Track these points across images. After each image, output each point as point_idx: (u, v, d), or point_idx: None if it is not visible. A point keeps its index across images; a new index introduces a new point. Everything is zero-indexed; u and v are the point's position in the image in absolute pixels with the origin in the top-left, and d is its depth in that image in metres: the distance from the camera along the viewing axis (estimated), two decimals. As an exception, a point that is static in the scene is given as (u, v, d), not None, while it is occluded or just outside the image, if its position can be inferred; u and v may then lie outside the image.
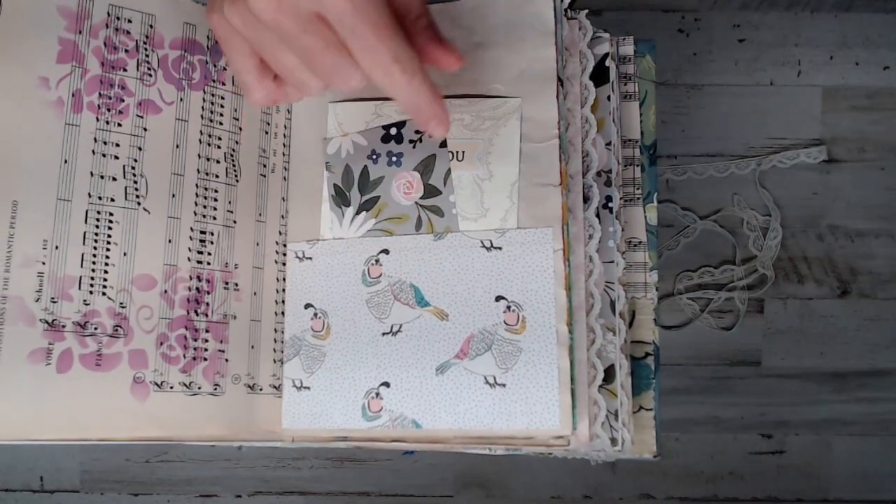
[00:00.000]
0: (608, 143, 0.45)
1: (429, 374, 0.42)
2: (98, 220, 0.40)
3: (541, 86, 0.43)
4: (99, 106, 0.41)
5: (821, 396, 0.69)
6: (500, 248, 0.42)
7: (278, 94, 0.39)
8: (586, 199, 0.43)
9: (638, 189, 0.47)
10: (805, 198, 0.67)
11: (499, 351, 0.41)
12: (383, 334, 0.43)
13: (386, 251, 0.44)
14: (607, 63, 0.45)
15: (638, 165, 0.47)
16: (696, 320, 0.68)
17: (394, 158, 0.44)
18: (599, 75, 0.45)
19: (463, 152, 0.43)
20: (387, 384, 0.43)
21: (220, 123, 0.44)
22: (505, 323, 0.41)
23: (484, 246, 0.42)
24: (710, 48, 0.67)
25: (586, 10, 0.47)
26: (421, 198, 0.44)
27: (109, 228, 0.40)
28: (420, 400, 0.42)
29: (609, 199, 0.45)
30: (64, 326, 0.39)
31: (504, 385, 0.41)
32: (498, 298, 0.42)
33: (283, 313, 0.45)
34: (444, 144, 0.44)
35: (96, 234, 0.40)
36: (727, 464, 0.70)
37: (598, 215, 0.44)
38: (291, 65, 0.36)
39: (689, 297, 0.68)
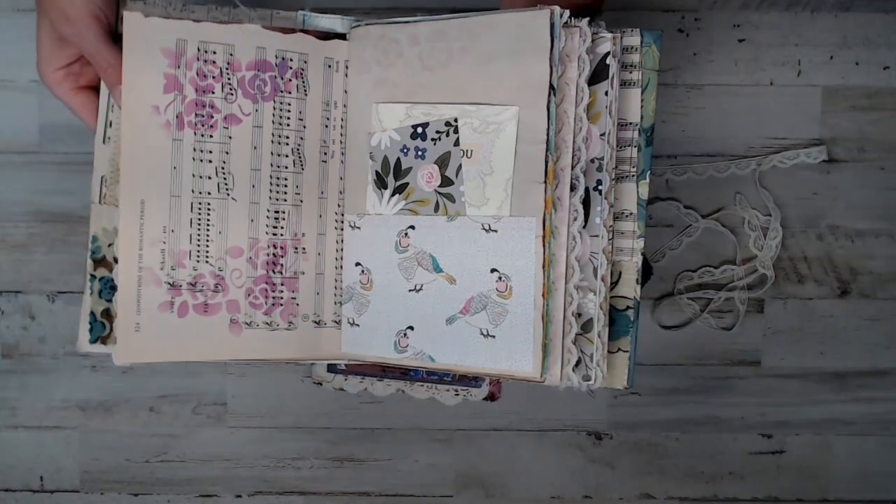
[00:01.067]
0: (602, 134, 0.52)
1: (441, 323, 0.54)
2: (200, 209, 0.54)
3: (536, 96, 0.50)
4: (195, 123, 0.54)
5: (821, 396, 0.69)
6: (496, 231, 0.52)
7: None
8: (574, 188, 0.52)
9: (633, 167, 0.54)
10: (805, 198, 0.67)
11: (491, 311, 0.52)
12: (409, 291, 0.55)
13: (412, 227, 0.55)
14: (608, 61, 0.52)
15: (635, 146, 0.54)
16: (696, 320, 0.68)
17: (419, 153, 0.54)
18: (600, 73, 0.52)
19: (472, 150, 0.53)
20: (411, 328, 0.55)
21: (288, 125, 0.56)
22: (497, 290, 0.52)
23: (484, 228, 0.52)
24: (710, 48, 0.67)
25: (587, 18, 0.51)
26: (439, 186, 0.54)
27: (208, 214, 0.54)
28: (434, 341, 0.54)
29: (599, 182, 0.53)
30: (181, 286, 0.54)
31: (494, 337, 0.52)
32: (492, 270, 0.52)
33: (341, 267, 0.57)
34: (457, 143, 0.53)
35: (199, 220, 0.54)
36: (727, 464, 0.70)
37: (588, 197, 0.52)
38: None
39: (689, 297, 0.68)
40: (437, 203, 0.54)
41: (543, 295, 0.51)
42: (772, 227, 0.67)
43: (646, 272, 0.63)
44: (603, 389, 0.69)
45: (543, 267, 0.51)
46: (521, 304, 0.51)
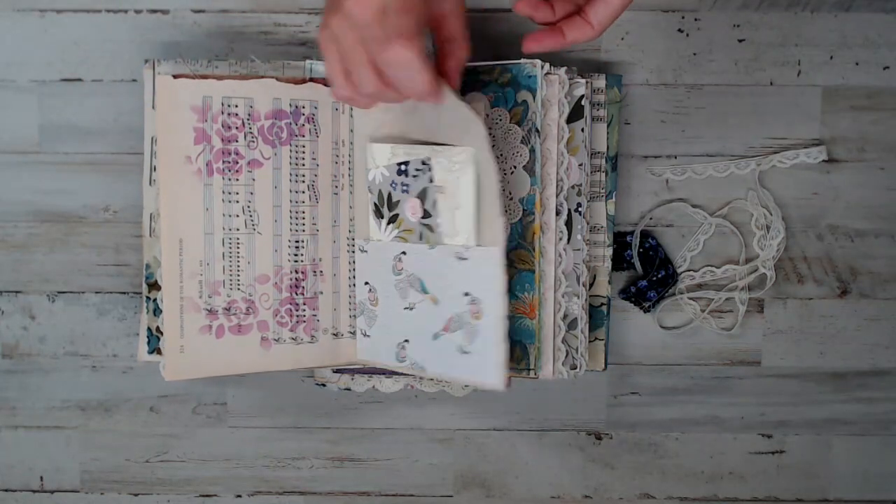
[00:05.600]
0: (580, 164, 0.60)
1: (429, 339, 0.60)
2: (230, 243, 0.61)
3: (481, 143, 0.54)
4: (223, 169, 0.61)
5: (821, 396, 0.69)
6: (466, 259, 0.57)
7: (355, 98, 0.52)
8: (559, 213, 0.59)
9: (602, 189, 0.63)
10: (805, 198, 0.67)
11: (466, 331, 0.58)
12: (404, 308, 0.61)
13: (404, 253, 0.60)
14: (583, 103, 0.60)
15: (603, 172, 0.63)
16: (697, 320, 0.68)
17: (404, 187, 0.59)
18: (576, 112, 0.60)
19: (444, 187, 0.57)
20: (407, 341, 0.61)
21: (303, 164, 0.62)
22: (470, 312, 0.57)
23: (457, 256, 0.58)
24: (710, 48, 0.67)
25: (565, 68, 0.58)
26: (421, 218, 0.59)
27: (238, 248, 0.61)
28: (425, 354, 0.60)
29: (579, 204, 0.61)
30: (217, 311, 0.61)
31: (469, 353, 0.58)
32: (465, 294, 0.57)
33: (354, 285, 0.64)
34: (432, 180, 0.58)
35: (230, 253, 0.61)
36: (727, 464, 0.70)
37: (570, 217, 0.60)
38: (364, 81, 0.49)
39: (689, 297, 0.68)
40: (421, 233, 0.59)
41: (509, 315, 0.56)
42: (773, 226, 0.67)
43: (671, 277, 0.67)
44: (603, 390, 0.69)
45: (506, 293, 0.56)
46: (489, 326, 0.56)
